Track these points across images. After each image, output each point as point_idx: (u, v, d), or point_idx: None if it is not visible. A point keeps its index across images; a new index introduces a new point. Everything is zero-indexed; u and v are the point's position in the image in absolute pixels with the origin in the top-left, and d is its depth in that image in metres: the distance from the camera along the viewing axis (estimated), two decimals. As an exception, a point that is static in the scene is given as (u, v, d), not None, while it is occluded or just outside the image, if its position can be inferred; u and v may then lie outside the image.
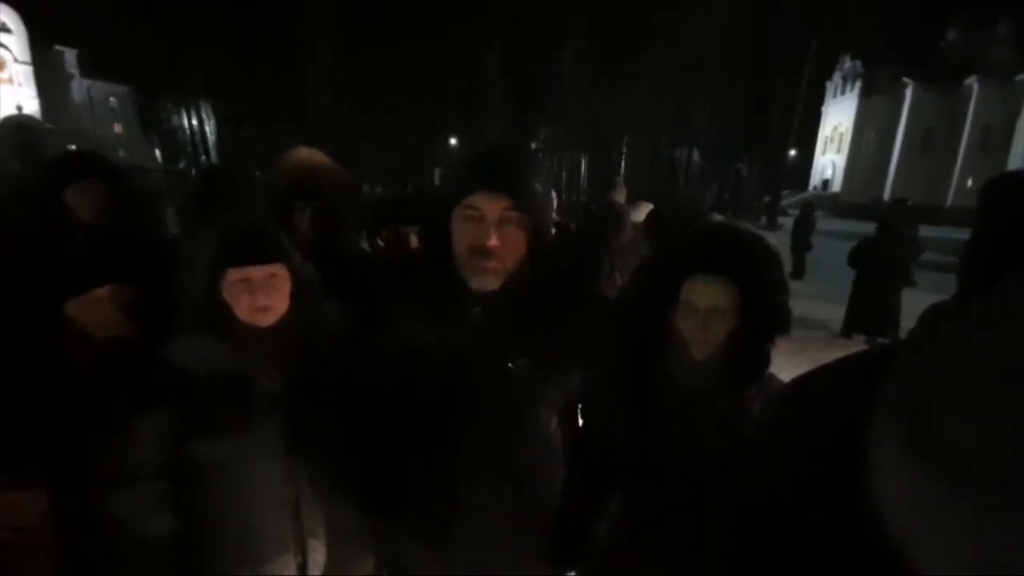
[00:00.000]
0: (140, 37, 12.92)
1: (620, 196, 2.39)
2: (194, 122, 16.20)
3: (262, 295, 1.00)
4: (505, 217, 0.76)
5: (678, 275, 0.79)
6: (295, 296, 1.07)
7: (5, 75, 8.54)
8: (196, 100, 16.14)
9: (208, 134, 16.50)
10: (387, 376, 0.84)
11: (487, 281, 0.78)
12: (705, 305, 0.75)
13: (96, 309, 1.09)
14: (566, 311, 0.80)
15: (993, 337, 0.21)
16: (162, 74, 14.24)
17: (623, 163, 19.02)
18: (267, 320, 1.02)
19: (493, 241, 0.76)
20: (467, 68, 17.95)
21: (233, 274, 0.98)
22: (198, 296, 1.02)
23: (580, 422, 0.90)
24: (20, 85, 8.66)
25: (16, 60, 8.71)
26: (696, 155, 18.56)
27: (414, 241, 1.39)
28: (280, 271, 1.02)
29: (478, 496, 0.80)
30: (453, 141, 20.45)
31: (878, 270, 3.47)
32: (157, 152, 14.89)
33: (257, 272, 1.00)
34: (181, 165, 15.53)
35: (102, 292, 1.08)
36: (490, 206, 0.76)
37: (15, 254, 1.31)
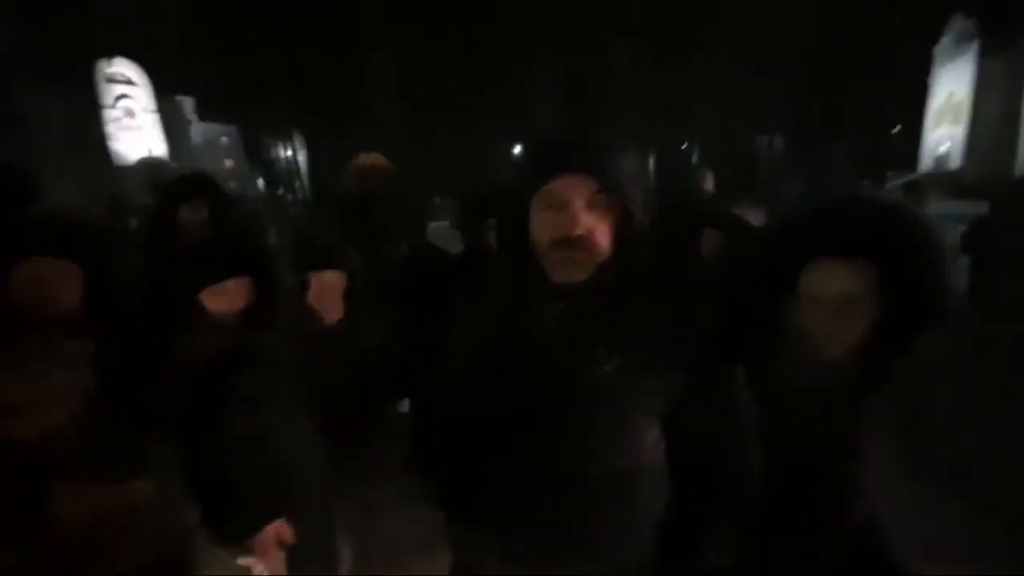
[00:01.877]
0: (242, 80, 14.63)
1: (709, 185, 2.27)
2: (288, 152, 18.08)
3: (316, 298, 1.12)
4: (592, 202, 0.69)
5: (798, 259, 0.67)
6: (349, 302, 1.17)
7: (135, 123, 10.03)
8: (288, 132, 18.00)
9: (300, 162, 18.30)
10: (459, 377, 0.80)
11: (573, 272, 0.71)
12: (834, 293, 0.63)
13: (225, 298, 1.28)
14: (661, 306, 0.72)
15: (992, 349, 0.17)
16: (260, 112, 16.07)
17: (694, 156, 17.81)
18: (327, 320, 1.12)
19: (579, 230, 0.68)
20: (524, 73, 17.95)
21: (304, 277, 1.10)
22: (288, 295, 1.16)
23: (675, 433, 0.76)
24: (148, 131, 10.17)
25: (144, 110, 10.34)
26: (779, 141, 16.99)
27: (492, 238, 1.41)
28: (333, 278, 1.12)
29: (563, 509, 0.72)
30: (517, 150, 20.65)
31: (997, 256, 2.95)
32: (260, 182, 16.58)
33: (313, 277, 1.12)
34: (280, 191, 17.38)
35: (232, 284, 1.28)
36: (576, 190, 0.68)
37: (153, 257, 1.54)
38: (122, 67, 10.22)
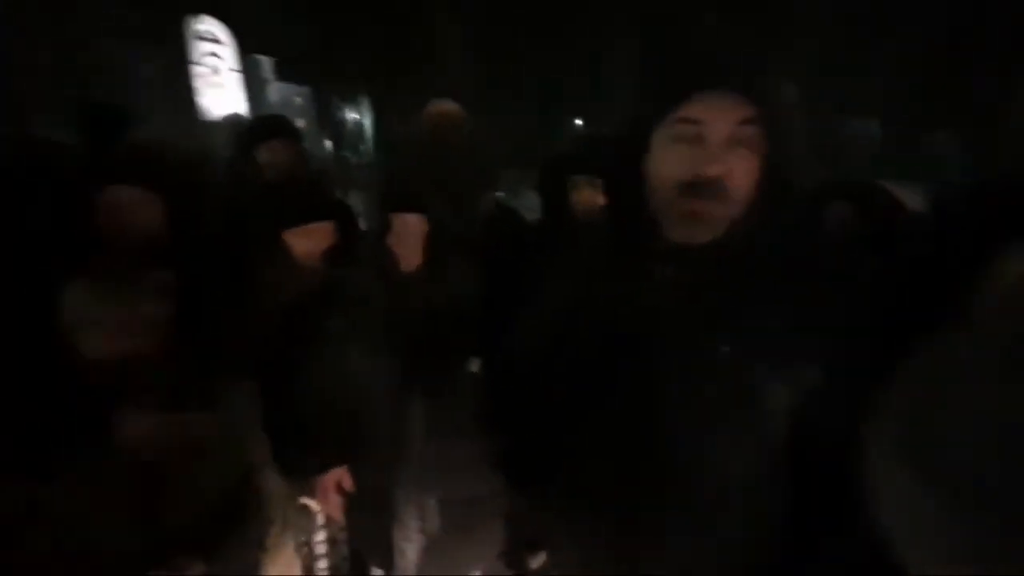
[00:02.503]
0: (317, 42, 15.03)
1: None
2: (355, 115, 18.59)
3: (396, 240, 1.12)
4: (737, 135, 0.57)
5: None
6: (429, 249, 1.18)
7: (220, 81, 10.56)
8: (357, 95, 18.47)
9: (366, 125, 18.79)
10: (544, 345, 0.73)
11: (698, 231, 0.60)
12: None
13: (310, 239, 1.32)
14: (798, 281, 0.60)
15: (993, 350, 0.23)
16: (332, 74, 16.56)
17: None
18: (406, 266, 1.13)
19: (717, 167, 0.56)
20: (594, 43, 17.18)
21: (388, 219, 1.10)
22: (368, 238, 1.17)
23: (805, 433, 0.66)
24: (230, 89, 10.72)
25: (228, 68, 10.91)
26: (875, 127, 15.31)
27: (588, 196, 1.33)
28: (414, 220, 1.12)
29: (657, 510, 0.66)
30: (579, 122, 20.10)
31: None
32: (327, 143, 17.22)
33: (395, 218, 1.12)
34: (345, 153, 18.06)
35: (320, 226, 1.34)
36: (720, 115, 0.56)
37: (235, 195, 1.57)
38: (210, 25, 10.73)
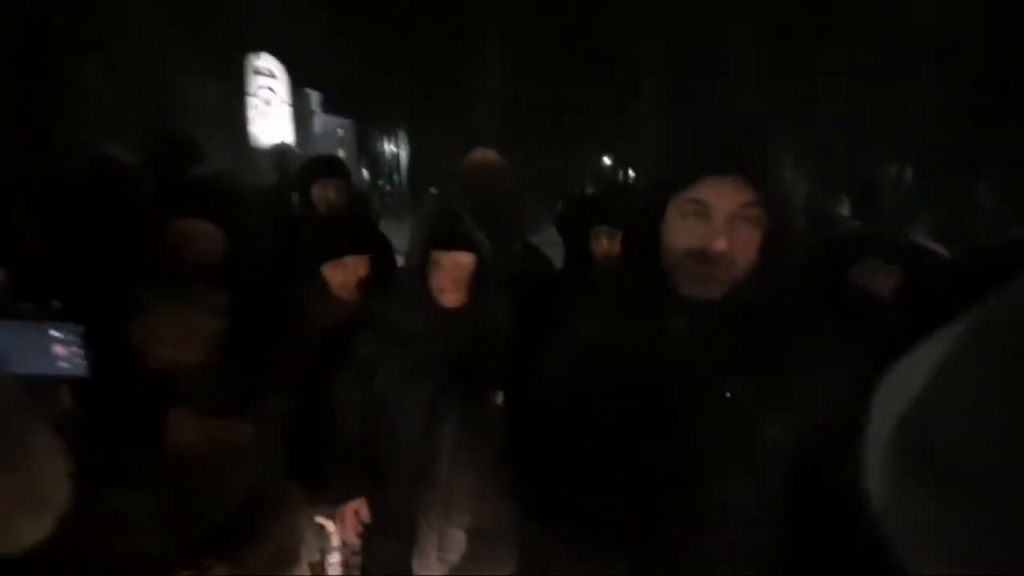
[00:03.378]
0: (361, 77, 15.94)
1: (844, 210, 2.06)
2: (391, 147, 19.41)
3: (444, 278, 1.15)
4: (740, 215, 0.60)
5: None
6: (475, 286, 1.21)
7: (271, 112, 11.36)
8: (395, 128, 19.34)
9: (402, 157, 19.56)
10: (566, 385, 0.75)
11: (706, 288, 0.63)
12: None
13: (345, 272, 1.41)
14: (802, 330, 0.63)
15: (993, 347, 0.20)
16: (373, 107, 17.44)
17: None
18: (449, 301, 1.16)
19: (721, 245, 0.60)
20: (623, 83, 17.52)
21: (431, 255, 1.15)
22: (408, 271, 1.23)
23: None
24: (280, 120, 11.49)
25: (279, 100, 11.74)
26: (907, 172, 14.81)
27: (607, 245, 1.38)
28: (466, 260, 1.15)
29: (670, 544, 0.66)
30: (606, 160, 20.35)
31: None
32: (364, 172, 17.93)
33: (444, 256, 1.15)
34: (380, 183, 18.79)
35: (352, 259, 1.42)
36: (723, 199, 0.59)
37: (278, 233, 1.70)
38: (267, 61, 11.57)
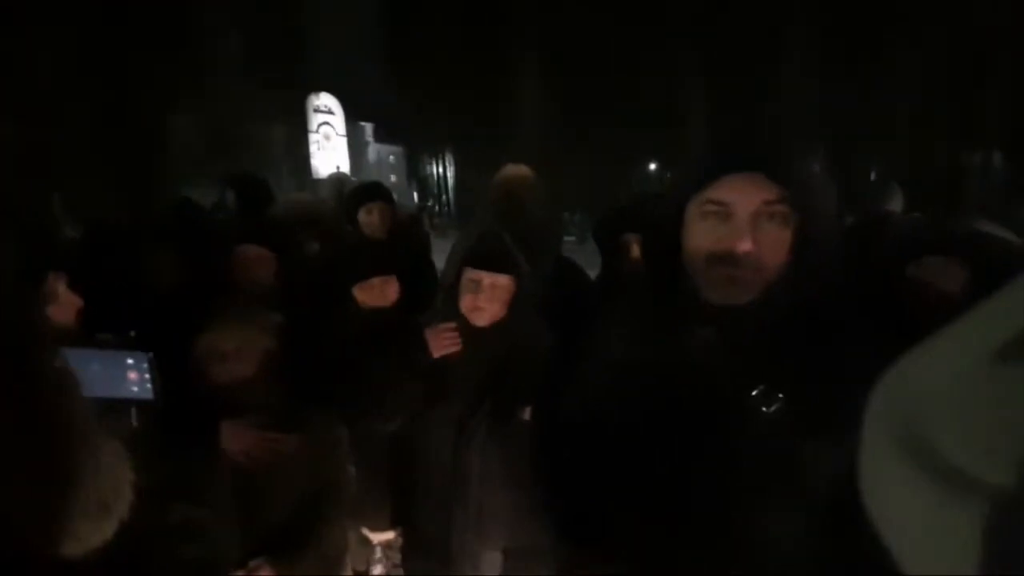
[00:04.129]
0: (409, 107, 16.81)
1: (897, 205, 1.88)
2: (439, 169, 20.16)
3: (482, 298, 1.17)
4: (765, 213, 0.56)
5: None
6: (512, 307, 1.20)
7: (330, 145, 12.23)
8: (441, 151, 20.12)
9: (449, 179, 20.26)
10: (596, 402, 0.73)
11: (733, 294, 0.59)
12: None
13: (373, 293, 1.47)
14: (847, 337, 0.57)
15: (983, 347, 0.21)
16: (421, 134, 18.31)
17: (872, 175, 14.56)
18: (480, 320, 1.18)
19: (747, 245, 0.56)
20: (668, 84, 16.99)
21: (467, 273, 1.17)
22: (444, 288, 1.25)
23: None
24: (337, 151, 12.37)
25: (337, 134, 12.72)
26: (996, 158, 13.12)
27: (636, 253, 1.36)
28: (504, 281, 1.16)
29: (707, 567, 0.62)
30: (652, 167, 19.90)
31: None
32: (415, 195, 18.68)
33: (485, 277, 1.18)
34: (429, 203, 19.55)
35: (380, 280, 1.47)
36: (744, 197, 0.56)
37: (325, 258, 1.82)
38: (326, 99, 12.51)
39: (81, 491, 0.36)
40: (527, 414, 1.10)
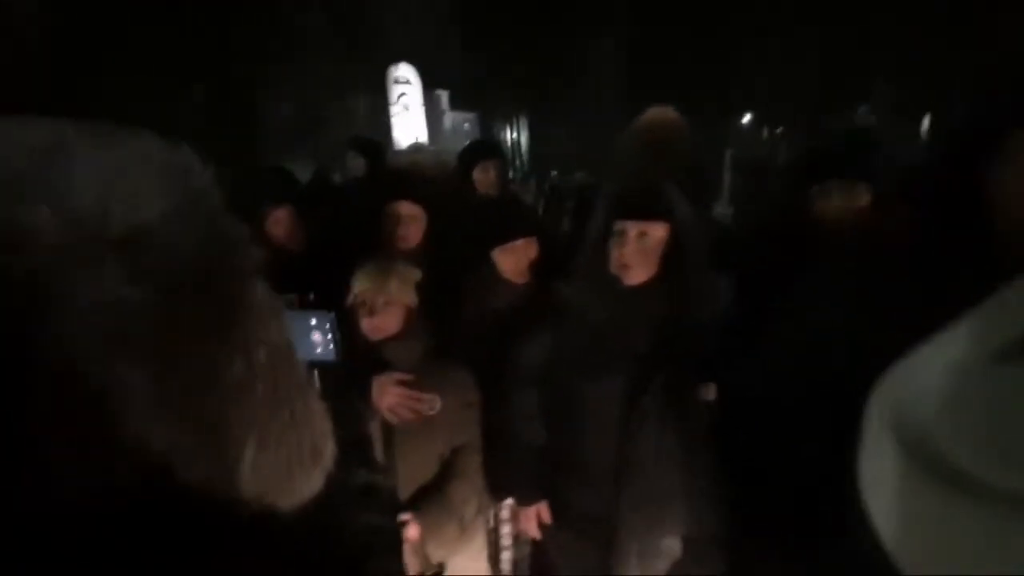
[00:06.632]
0: (484, 74, 16.62)
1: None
2: (513, 135, 19.94)
3: (628, 251, 1.02)
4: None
5: None
6: (668, 260, 1.03)
7: (409, 115, 12.42)
8: (515, 116, 19.84)
9: (522, 143, 20.02)
10: (792, 379, 0.63)
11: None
12: None
13: (515, 256, 1.39)
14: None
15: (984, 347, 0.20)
16: (495, 100, 18.12)
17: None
18: (632, 278, 1.04)
19: None
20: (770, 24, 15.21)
21: (618, 225, 1.03)
22: (590, 246, 1.13)
23: None
24: (416, 121, 12.53)
25: (415, 104, 12.85)
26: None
27: (841, 204, 1.14)
28: (657, 230, 1.00)
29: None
30: (747, 118, 18.27)
31: None
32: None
33: (631, 227, 1.02)
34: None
35: (523, 241, 1.39)
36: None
37: (452, 216, 1.78)
38: (404, 70, 12.64)
39: (303, 431, 0.34)
40: (711, 393, 0.96)
